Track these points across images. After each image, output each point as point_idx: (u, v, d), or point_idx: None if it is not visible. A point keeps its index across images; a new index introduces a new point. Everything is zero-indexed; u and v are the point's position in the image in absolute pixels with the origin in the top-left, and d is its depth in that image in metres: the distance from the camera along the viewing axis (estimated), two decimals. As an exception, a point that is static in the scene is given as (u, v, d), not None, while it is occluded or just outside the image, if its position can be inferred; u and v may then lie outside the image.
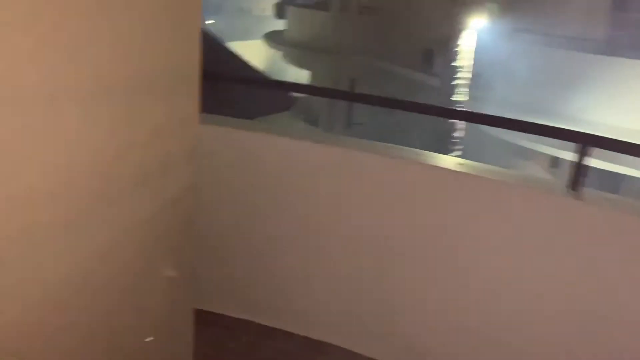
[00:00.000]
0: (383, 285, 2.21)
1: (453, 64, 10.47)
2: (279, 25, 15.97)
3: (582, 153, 1.86)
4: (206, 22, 17.91)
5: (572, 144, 1.94)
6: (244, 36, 16.68)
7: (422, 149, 2.19)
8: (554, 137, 2.06)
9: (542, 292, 1.95)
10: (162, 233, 1.63)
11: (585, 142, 1.87)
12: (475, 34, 10.28)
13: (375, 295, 2.23)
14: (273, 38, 15.16)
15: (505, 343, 2.05)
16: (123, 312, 1.52)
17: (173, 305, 1.80)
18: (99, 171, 1.30)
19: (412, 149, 2.19)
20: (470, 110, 2.26)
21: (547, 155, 10.54)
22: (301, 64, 13.81)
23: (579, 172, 1.88)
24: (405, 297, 2.19)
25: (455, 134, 9.59)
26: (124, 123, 1.36)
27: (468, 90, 9.44)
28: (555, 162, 10.74)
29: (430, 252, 2.09)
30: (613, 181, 9.19)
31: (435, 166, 2.02)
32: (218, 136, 2.20)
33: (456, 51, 10.55)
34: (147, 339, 1.62)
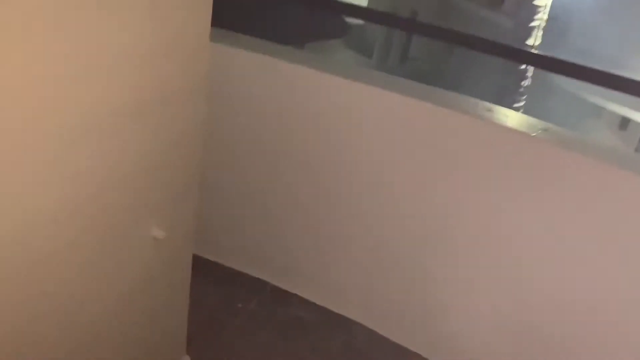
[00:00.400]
0: (422, 266, 1.83)
1: (526, 3, 9.43)
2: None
3: None
4: None
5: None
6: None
7: (483, 94, 1.75)
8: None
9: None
10: (157, 180, 1.28)
11: None
12: (557, -30, 9.17)
13: (410, 275, 1.86)
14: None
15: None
16: (103, 267, 1.21)
17: (167, 266, 1.48)
18: (76, 97, 0.94)
19: (478, 100, 1.74)
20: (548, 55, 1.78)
21: (616, 114, 9.64)
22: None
23: None
24: (445, 283, 1.82)
25: (521, 82, 8.75)
26: (107, 33, 0.98)
27: (541, 35, 8.55)
28: (625, 123, 9.84)
29: (485, 238, 1.69)
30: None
31: (512, 129, 1.57)
32: (240, 61, 1.80)
33: (532, -11, 9.46)
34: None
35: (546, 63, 1.91)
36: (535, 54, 1.88)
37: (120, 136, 1.11)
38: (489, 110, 1.66)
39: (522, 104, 7.22)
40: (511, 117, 1.64)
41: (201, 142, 1.39)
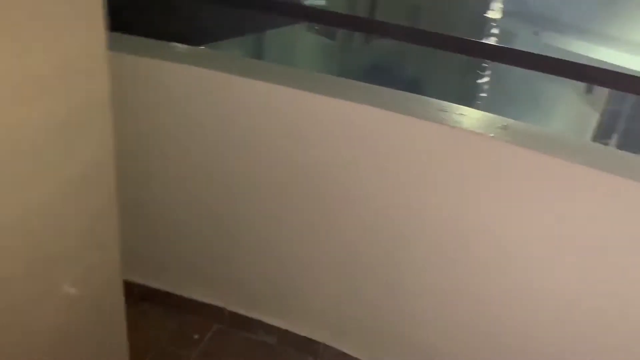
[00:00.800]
0: (391, 280, 1.69)
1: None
2: None
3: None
4: None
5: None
6: None
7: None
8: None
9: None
10: (62, 226, 1.11)
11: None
12: None
13: (379, 289, 1.72)
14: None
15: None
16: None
17: (91, 320, 1.31)
18: None
19: (430, 99, 1.59)
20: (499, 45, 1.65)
21: (582, 79, 9.61)
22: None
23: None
24: (417, 296, 1.68)
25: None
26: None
27: (502, 5, 8.39)
28: (590, 87, 9.85)
29: (455, 246, 1.56)
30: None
31: (468, 130, 1.42)
32: (148, 72, 1.62)
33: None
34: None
35: (509, 56, 1.74)
36: (495, 46, 1.73)
37: (10, 178, 0.93)
38: (443, 110, 1.51)
39: (486, 79, 7.15)
40: (468, 117, 1.50)
41: (112, 172, 1.21)
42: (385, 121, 1.49)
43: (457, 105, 1.59)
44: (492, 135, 1.40)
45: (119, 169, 1.29)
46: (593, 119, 8.87)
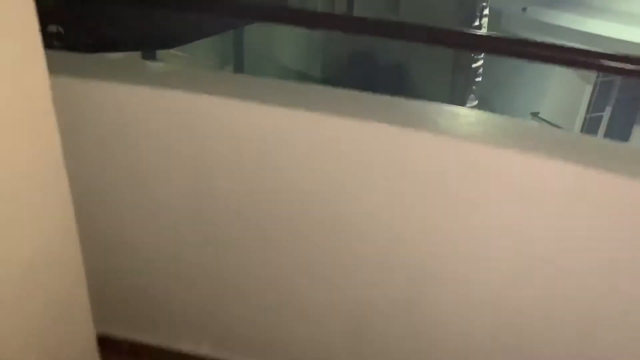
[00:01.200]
0: (379, 311, 1.49)
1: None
2: None
3: None
4: None
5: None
6: None
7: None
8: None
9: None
10: (23, 312, 0.90)
11: None
12: None
13: (389, 328, 1.52)
14: None
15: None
16: None
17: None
18: None
19: (436, 104, 1.37)
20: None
21: (570, 52, 9.44)
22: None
23: None
24: (416, 319, 1.48)
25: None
26: None
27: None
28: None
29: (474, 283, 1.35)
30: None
31: (489, 144, 1.21)
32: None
33: None
34: None
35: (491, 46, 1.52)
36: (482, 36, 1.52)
37: None
38: (455, 115, 1.30)
39: (476, 58, 6.93)
40: (482, 124, 1.28)
41: (75, 244, 1.00)
42: (389, 138, 1.27)
43: (467, 109, 1.38)
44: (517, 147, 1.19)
45: (88, 220, 1.08)
46: (586, 92, 8.71)
